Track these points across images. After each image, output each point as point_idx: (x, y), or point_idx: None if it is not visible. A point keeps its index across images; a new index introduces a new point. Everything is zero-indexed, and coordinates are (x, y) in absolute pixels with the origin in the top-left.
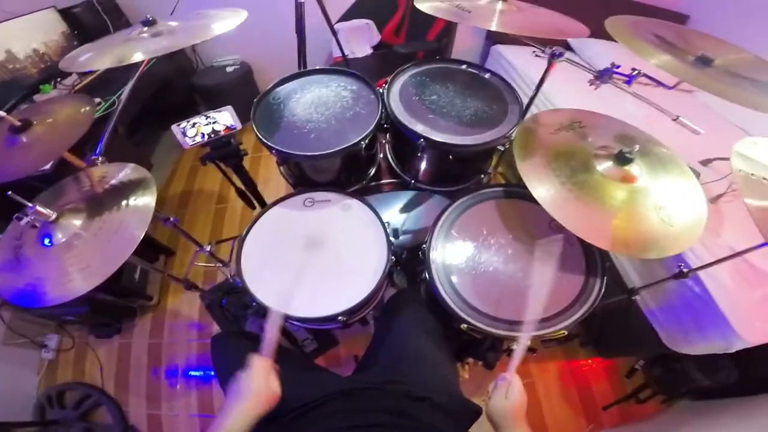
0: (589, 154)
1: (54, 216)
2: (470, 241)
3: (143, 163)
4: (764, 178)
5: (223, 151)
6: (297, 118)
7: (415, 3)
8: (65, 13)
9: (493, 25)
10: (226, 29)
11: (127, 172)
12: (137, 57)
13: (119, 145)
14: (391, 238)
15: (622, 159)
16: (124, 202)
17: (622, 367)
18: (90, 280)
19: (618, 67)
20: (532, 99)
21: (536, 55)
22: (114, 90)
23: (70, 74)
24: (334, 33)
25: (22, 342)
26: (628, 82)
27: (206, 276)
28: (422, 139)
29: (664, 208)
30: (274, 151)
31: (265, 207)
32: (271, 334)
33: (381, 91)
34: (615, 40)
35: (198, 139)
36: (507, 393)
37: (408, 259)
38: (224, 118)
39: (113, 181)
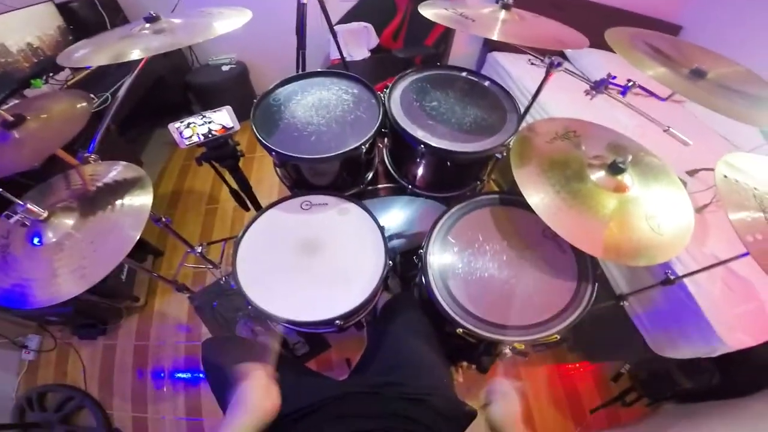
0: (583, 164)
1: (45, 215)
2: (466, 246)
3: (133, 161)
4: (755, 188)
5: (219, 151)
6: (297, 120)
7: (419, 9)
8: (62, 8)
9: (495, 34)
10: (230, 29)
11: (119, 170)
12: (136, 54)
13: (109, 142)
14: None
15: (615, 168)
16: (119, 202)
17: (608, 371)
18: (81, 282)
19: (614, 77)
20: (528, 107)
21: (532, 64)
22: (107, 86)
23: (62, 69)
24: (334, 35)
25: (1, 342)
26: (623, 93)
27: (195, 278)
28: (422, 145)
29: (654, 216)
30: (273, 153)
31: (261, 209)
32: (274, 341)
33: (382, 95)
34: (610, 50)
35: (194, 139)
36: (506, 400)
37: (402, 264)
38: (221, 118)
39: (105, 180)
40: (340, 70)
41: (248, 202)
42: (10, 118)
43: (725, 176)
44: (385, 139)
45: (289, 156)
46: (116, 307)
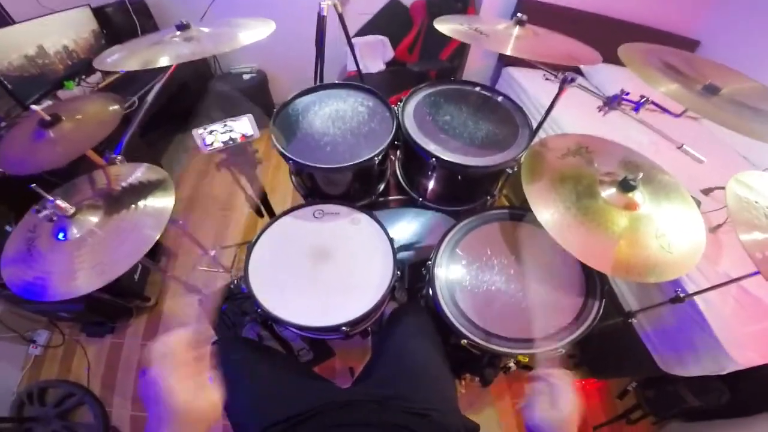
0: (594, 180)
1: (72, 211)
2: (474, 260)
3: (154, 164)
4: (766, 207)
5: (239, 158)
6: (314, 130)
7: (435, 24)
8: (98, 12)
9: (508, 49)
10: (255, 39)
11: (142, 171)
12: (165, 61)
13: (131, 144)
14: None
15: (626, 186)
16: (141, 202)
17: (614, 388)
18: (99, 278)
19: (627, 93)
20: (541, 123)
21: (546, 79)
22: (135, 90)
23: (94, 72)
24: (352, 47)
25: (10, 336)
26: (636, 109)
27: (206, 281)
28: (434, 159)
29: (664, 235)
30: (290, 162)
31: (275, 216)
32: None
33: (395, 108)
34: (625, 66)
35: (216, 145)
36: (555, 400)
37: (409, 276)
38: (242, 126)
39: (129, 180)
40: (356, 82)
41: (263, 209)
42: (48, 118)
43: (737, 194)
44: (398, 152)
45: (305, 165)
46: (127, 306)
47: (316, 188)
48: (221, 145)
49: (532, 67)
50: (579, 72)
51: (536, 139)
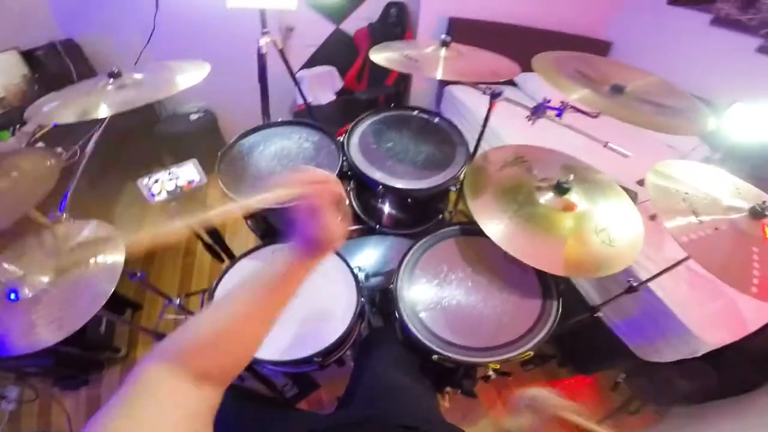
0: (532, 187)
1: (21, 273)
2: (433, 278)
3: (107, 216)
4: (686, 193)
5: (189, 205)
6: (261, 170)
7: (369, 55)
8: (27, 56)
9: (438, 74)
10: (191, 83)
11: (92, 229)
12: (103, 111)
13: (81, 197)
14: (363, 281)
15: (560, 189)
16: (92, 260)
17: (605, 381)
18: (58, 332)
19: (549, 101)
20: (479, 138)
21: (483, 94)
22: (76, 139)
23: (26, 120)
24: (297, 83)
25: None
26: (559, 115)
27: (176, 328)
28: (381, 186)
29: (604, 230)
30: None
31: (233, 260)
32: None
33: (341, 140)
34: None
35: (163, 195)
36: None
37: (381, 301)
38: (187, 172)
39: (79, 239)
40: (303, 117)
41: (222, 254)
42: None
43: (656, 184)
44: (351, 182)
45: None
46: (97, 358)
47: (272, 228)
48: (167, 195)
49: (471, 83)
50: (512, 83)
51: (479, 153)
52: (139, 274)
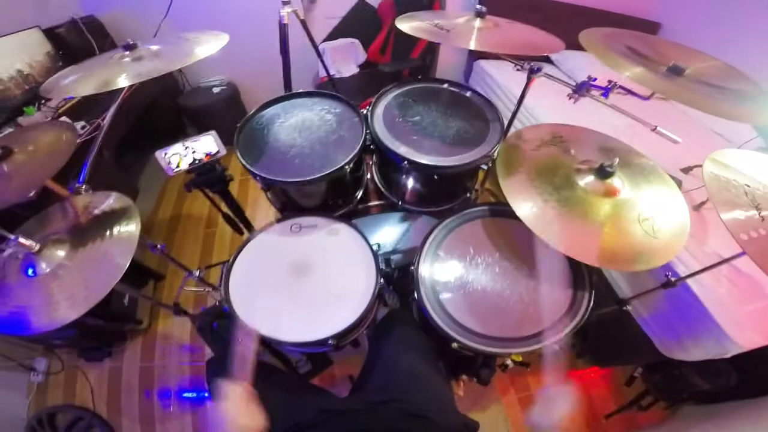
0: (571, 169)
1: (37, 247)
2: (457, 260)
3: (130, 188)
4: (746, 185)
5: (208, 177)
6: (281, 143)
7: (396, 24)
8: (49, 34)
9: (471, 43)
10: (208, 53)
11: (110, 201)
12: (122, 82)
13: (105, 169)
14: (382, 259)
15: (603, 173)
16: (107, 232)
17: (620, 375)
18: (76, 308)
19: (594, 80)
20: (513, 115)
21: (517, 69)
22: (99, 112)
23: (44, 94)
24: (319, 54)
25: (9, 365)
26: (605, 95)
27: (197, 300)
28: (406, 161)
29: (648, 219)
30: (258, 178)
31: (251, 234)
32: (246, 352)
33: (365, 113)
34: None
35: (182, 166)
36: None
37: (399, 279)
38: (205, 145)
39: (97, 210)
40: (325, 89)
41: (242, 226)
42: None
43: (713, 173)
44: (373, 156)
45: (273, 180)
46: (120, 330)
47: (291, 202)
48: (187, 166)
49: (503, 58)
50: (549, 60)
51: (512, 131)
52: (159, 246)
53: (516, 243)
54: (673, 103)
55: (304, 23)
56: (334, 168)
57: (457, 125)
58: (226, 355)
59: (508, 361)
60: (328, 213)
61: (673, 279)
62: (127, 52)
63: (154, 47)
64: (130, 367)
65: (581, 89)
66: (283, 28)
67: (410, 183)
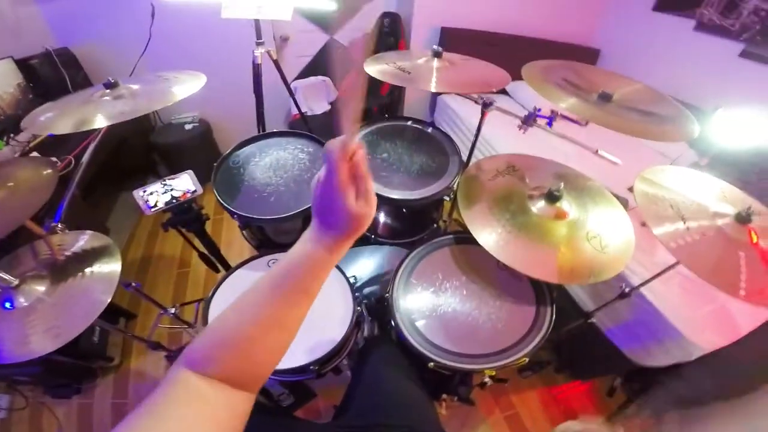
0: (524, 196)
1: (16, 282)
2: (428, 286)
3: (100, 227)
4: (672, 198)
5: (184, 216)
6: (257, 181)
7: (363, 67)
8: (21, 65)
9: (431, 86)
10: (187, 93)
11: (86, 239)
12: (100, 122)
13: (73, 207)
14: (359, 290)
15: (551, 197)
16: (88, 270)
17: (601, 387)
18: (54, 341)
19: (539, 110)
20: (472, 146)
21: (476, 103)
22: (70, 149)
23: (23, 130)
24: (291, 93)
25: None
26: (549, 124)
27: (171, 338)
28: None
29: (596, 236)
30: (235, 216)
31: (229, 270)
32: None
33: None
34: None
35: (159, 205)
36: None
37: (377, 309)
38: (183, 183)
39: (74, 249)
40: (298, 127)
41: (218, 265)
42: None
43: (643, 191)
44: None
45: (251, 218)
46: (90, 366)
47: (268, 239)
48: (164, 205)
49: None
50: (505, 91)
51: (472, 162)
52: (134, 284)
53: (481, 267)
54: None
55: (276, 63)
56: (308, 206)
57: (420, 160)
58: None
59: (486, 378)
60: None
61: (627, 290)
62: (108, 90)
63: (134, 86)
64: (102, 404)
65: (529, 120)
66: (256, 68)
67: (381, 216)
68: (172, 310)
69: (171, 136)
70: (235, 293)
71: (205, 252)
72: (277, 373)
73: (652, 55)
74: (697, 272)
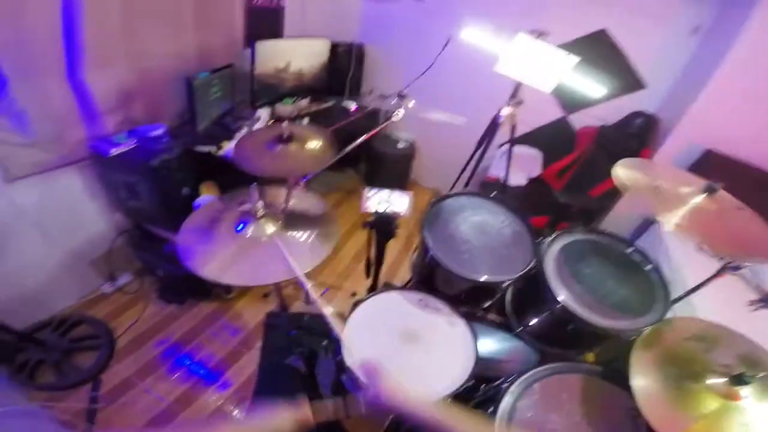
0: (707, 369)
1: (262, 214)
2: (547, 400)
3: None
4: None
5: (382, 226)
6: (459, 234)
7: (614, 168)
8: (332, 47)
9: (672, 223)
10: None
11: (314, 204)
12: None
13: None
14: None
15: (739, 381)
16: (308, 234)
17: None
18: (236, 277)
19: None
20: (678, 299)
21: (700, 249)
22: (329, 124)
23: (305, 98)
24: (510, 157)
25: (100, 265)
26: None
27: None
28: (560, 306)
29: (747, 425)
30: (430, 255)
31: (387, 287)
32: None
33: (542, 244)
34: None
35: (372, 209)
36: None
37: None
38: (401, 202)
39: (302, 208)
40: (488, 190)
41: (371, 272)
42: (287, 135)
43: None
44: (522, 280)
45: (444, 266)
46: (209, 289)
47: (430, 281)
48: (374, 212)
49: None
50: None
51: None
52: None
53: (608, 408)
54: None
55: (513, 128)
56: (492, 280)
57: (624, 293)
58: (281, 365)
59: None
60: (455, 305)
61: None
62: (396, 99)
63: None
64: (182, 325)
65: None
66: (495, 124)
67: (541, 320)
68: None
69: (384, 146)
70: (382, 307)
71: (371, 258)
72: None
73: None
74: None
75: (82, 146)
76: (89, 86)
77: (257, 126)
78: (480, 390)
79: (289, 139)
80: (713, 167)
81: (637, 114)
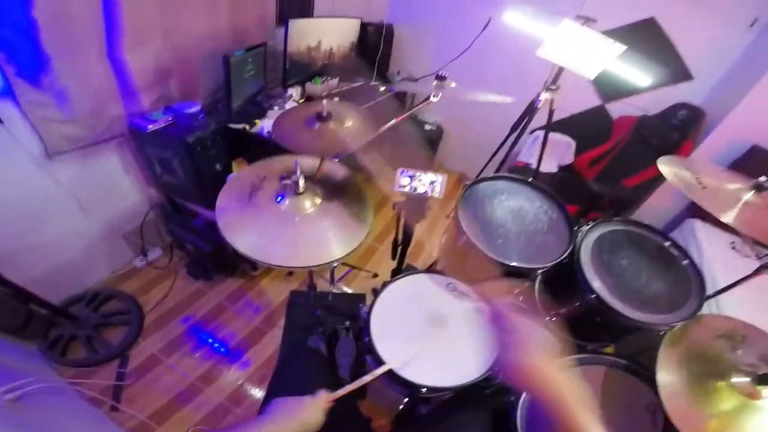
0: (732, 367)
1: (302, 190)
2: None
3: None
4: None
5: (413, 207)
6: (494, 218)
7: (658, 163)
8: (362, 27)
9: (727, 217)
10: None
11: (345, 175)
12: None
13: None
14: None
15: (763, 380)
16: (346, 214)
17: None
18: (261, 253)
19: None
20: (709, 296)
21: (733, 248)
22: (363, 101)
23: (334, 78)
24: (545, 142)
25: (132, 239)
26: None
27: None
28: (594, 296)
29: (763, 425)
30: (464, 236)
31: (418, 270)
32: (359, 384)
33: (579, 233)
34: None
35: (405, 189)
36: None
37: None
38: (434, 185)
39: (336, 178)
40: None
41: (397, 254)
42: (326, 114)
43: None
44: (552, 270)
45: (474, 246)
46: (235, 264)
47: (461, 265)
48: (407, 190)
49: (723, 228)
50: None
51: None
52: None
53: (627, 400)
54: None
55: (552, 112)
56: (525, 266)
57: (658, 287)
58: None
59: None
60: None
61: None
62: (435, 82)
63: (452, 84)
64: (209, 301)
65: None
66: (531, 109)
67: (570, 308)
68: (334, 264)
69: (411, 127)
70: (410, 289)
71: (399, 240)
72: (389, 376)
73: None
74: None
75: (119, 123)
76: (127, 64)
77: (288, 105)
78: (499, 377)
79: (328, 117)
80: (760, 162)
81: (681, 105)
